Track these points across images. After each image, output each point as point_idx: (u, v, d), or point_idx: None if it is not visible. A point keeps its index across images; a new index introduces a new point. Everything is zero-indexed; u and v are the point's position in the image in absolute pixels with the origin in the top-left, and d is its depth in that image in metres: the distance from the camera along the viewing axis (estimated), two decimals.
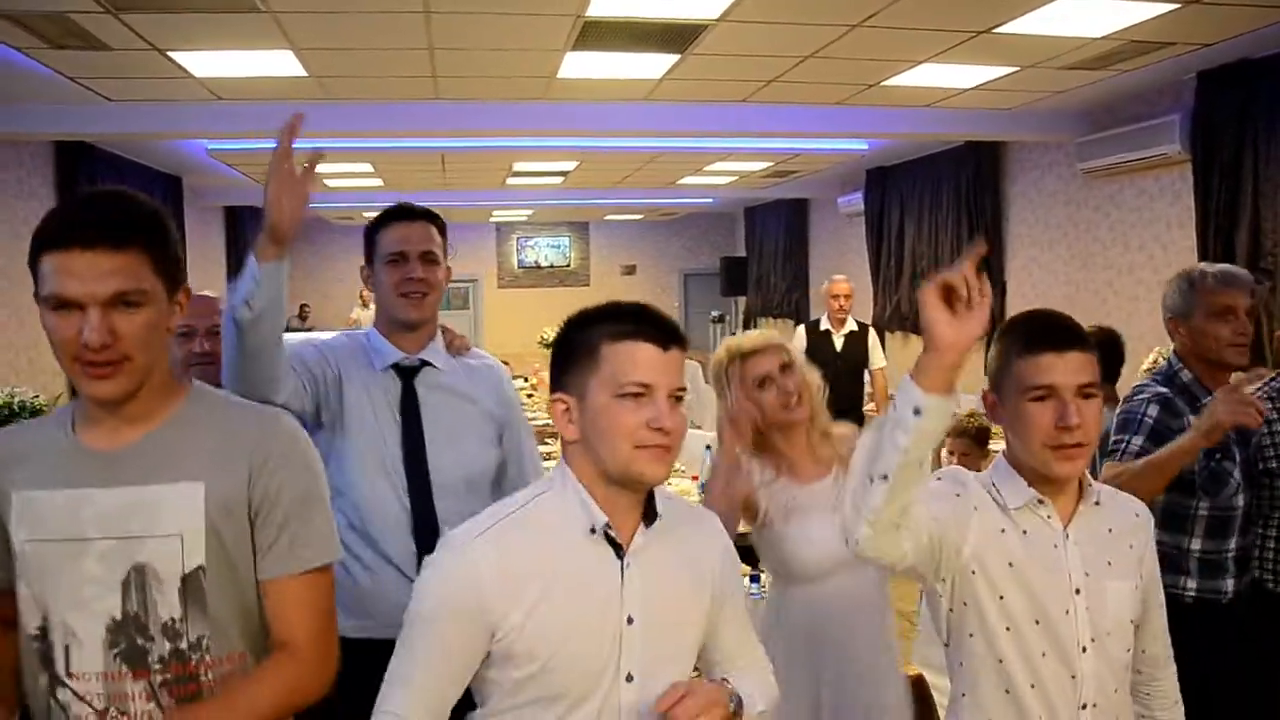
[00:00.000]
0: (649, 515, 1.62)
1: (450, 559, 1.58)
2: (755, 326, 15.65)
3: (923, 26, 5.12)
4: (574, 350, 1.60)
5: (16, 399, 5.11)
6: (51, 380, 7.32)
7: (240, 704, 1.55)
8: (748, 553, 2.64)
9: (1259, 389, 2.82)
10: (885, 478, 1.56)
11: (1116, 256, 7.31)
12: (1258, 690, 2.67)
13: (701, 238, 18.17)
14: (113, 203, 1.54)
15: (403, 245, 2.45)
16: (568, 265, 18.25)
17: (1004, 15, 4.92)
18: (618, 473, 1.56)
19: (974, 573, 1.80)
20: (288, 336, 2.23)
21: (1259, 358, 2.98)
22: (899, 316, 10.47)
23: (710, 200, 14.69)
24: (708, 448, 5.33)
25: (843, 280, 7.20)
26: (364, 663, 1.71)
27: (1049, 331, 1.81)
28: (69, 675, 1.54)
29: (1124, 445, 2.64)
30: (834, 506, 2.37)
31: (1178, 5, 4.69)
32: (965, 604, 1.82)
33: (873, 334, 7.20)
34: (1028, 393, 1.77)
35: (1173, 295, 2.82)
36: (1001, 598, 1.80)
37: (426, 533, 2.36)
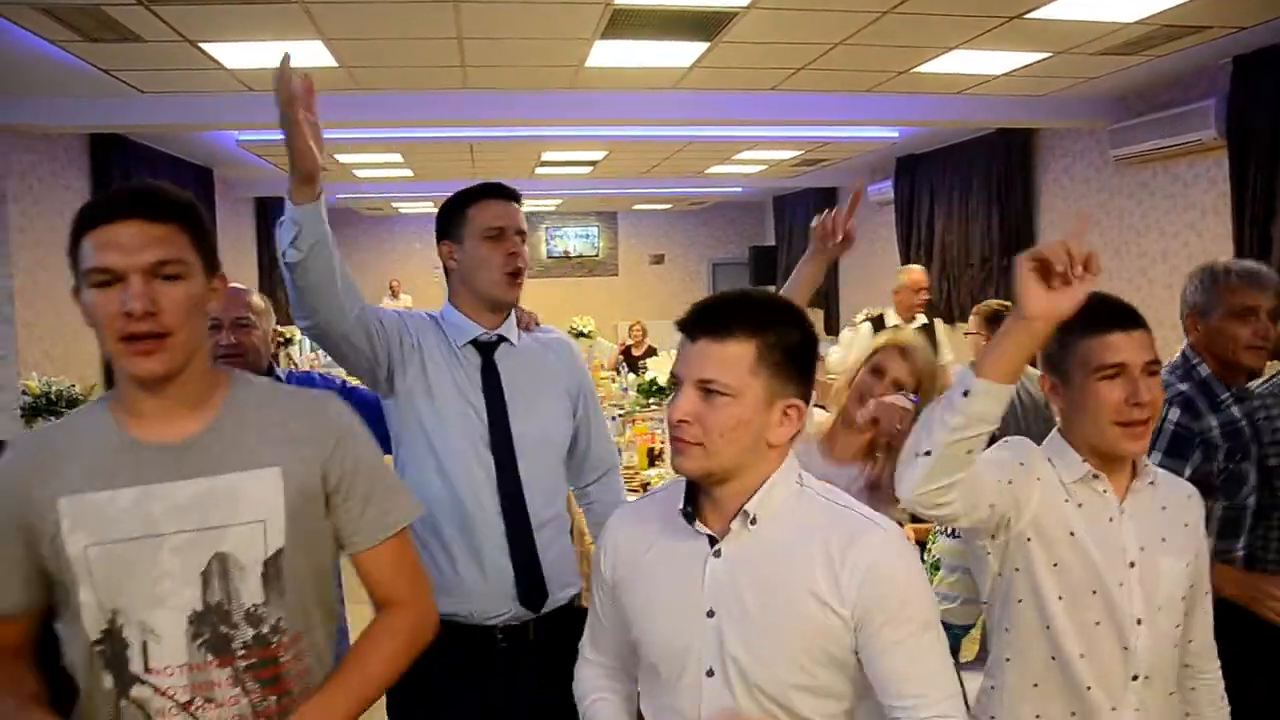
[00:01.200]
0: (743, 513, 1.57)
1: (603, 530, 1.79)
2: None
3: (953, 12, 5.08)
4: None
5: (54, 388, 5.17)
6: (86, 370, 7.42)
7: (369, 669, 1.66)
8: None
9: (1263, 384, 2.80)
10: (928, 454, 1.60)
11: (1150, 244, 7.23)
12: (1265, 689, 2.63)
13: (730, 227, 18.12)
14: (150, 186, 1.59)
15: (501, 221, 2.44)
16: (596, 255, 18.25)
17: (1036, 0, 4.87)
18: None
19: (1029, 540, 1.83)
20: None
21: None
22: (929, 306, 10.41)
23: (739, 189, 14.64)
24: None
25: (920, 269, 6.89)
26: (453, 646, 1.76)
27: (1113, 312, 1.87)
28: (148, 671, 1.54)
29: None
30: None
31: None
32: (1017, 569, 1.85)
33: (941, 326, 7.03)
34: (1098, 371, 1.83)
35: (1193, 289, 2.74)
36: (1056, 565, 1.83)
37: (515, 498, 2.41)
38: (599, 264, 18.25)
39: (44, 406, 5.15)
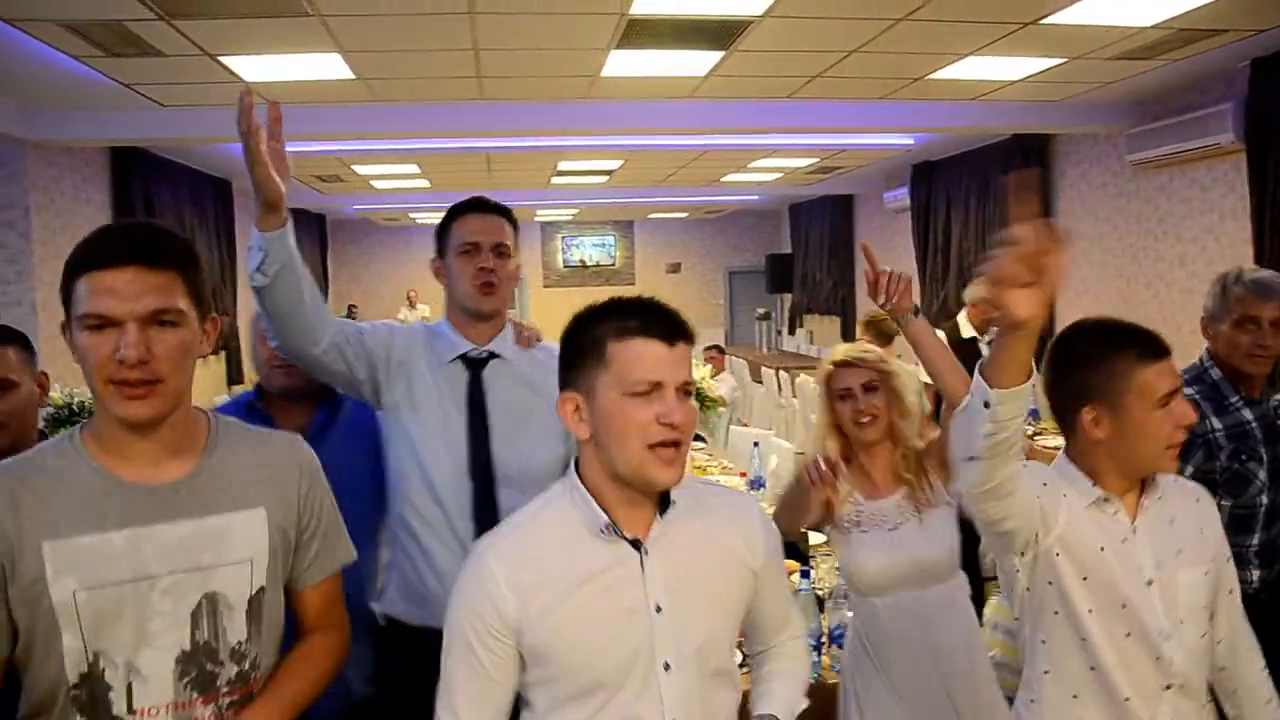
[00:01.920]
0: (664, 504, 1.63)
1: (467, 574, 1.63)
2: (801, 324, 15.60)
3: (968, 19, 5.09)
4: (582, 348, 1.60)
5: (76, 399, 5.21)
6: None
7: (312, 679, 1.72)
8: (791, 549, 2.70)
9: None
10: (974, 458, 1.67)
11: (1168, 249, 7.20)
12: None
13: (746, 235, 18.13)
14: (146, 229, 1.59)
15: (475, 236, 2.48)
16: (612, 264, 18.29)
17: (1051, 6, 4.86)
18: (628, 474, 1.57)
19: (1058, 555, 1.84)
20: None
21: None
22: (945, 312, 10.39)
23: (755, 197, 14.66)
24: (755, 444, 5.34)
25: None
26: (426, 650, 1.75)
27: (1151, 338, 1.86)
28: (130, 712, 1.53)
29: None
30: (894, 525, 2.59)
31: None
32: (1050, 584, 1.86)
33: None
34: (1162, 400, 1.82)
35: (1210, 295, 2.84)
36: (1086, 579, 1.83)
37: (489, 523, 2.37)
38: (615, 273, 18.28)
39: (66, 417, 5.18)
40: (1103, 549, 1.83)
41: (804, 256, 15.35)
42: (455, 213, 2.54)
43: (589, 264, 18.23)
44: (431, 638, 1.93)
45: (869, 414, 2.64)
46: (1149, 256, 7.42)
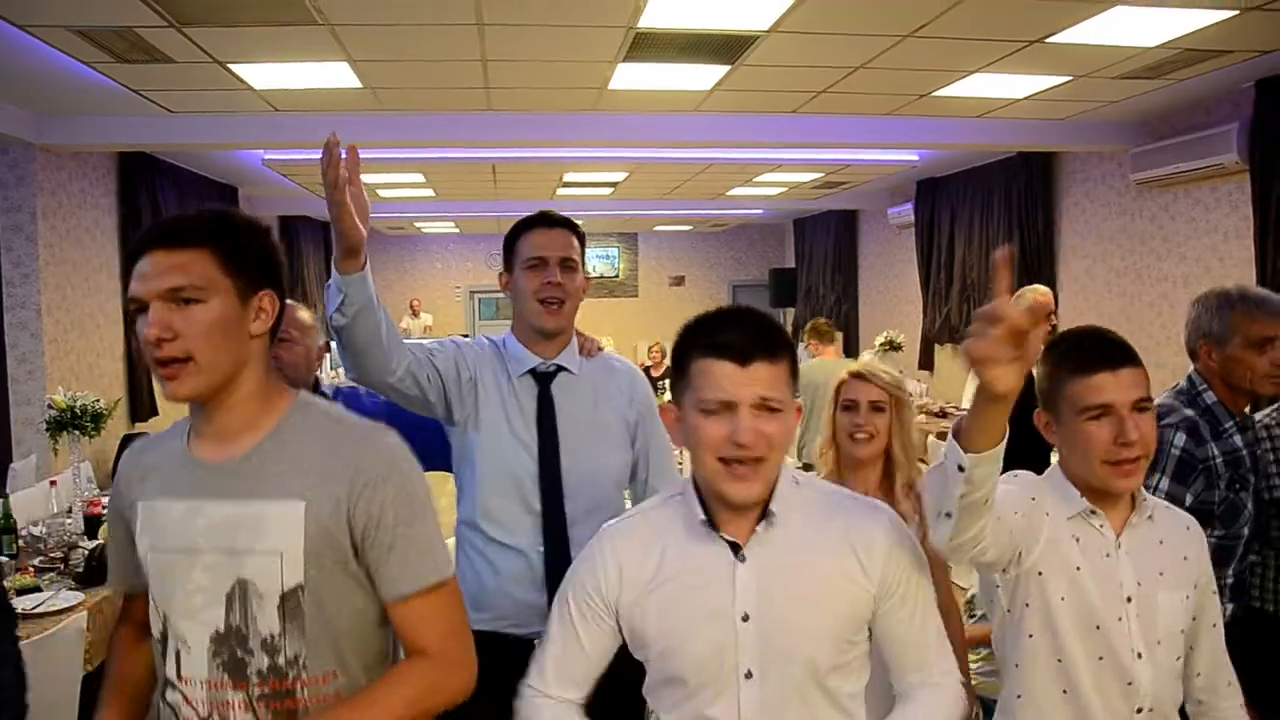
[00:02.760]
0: (766, 514, 1.63)
1: (588, 549, 1.75)
2: (801, 339, 15.59)
3: (974, 36, 5.11)
4: (676, 361, 1.67)
5: (79, 402, 5.22)
6: (111, 385, 7.50)
7: (378, 703, 1.56)
8: None
9: (1269, 414, 2.77)
10: (949, 515, 1.62)
11: (1171, 268, 7.22)
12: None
13: (750, 249, 18.15)
14: (178, 216, 1.63)
15: (542, 251, 2.47)
16: (616, 276, 18.30)
17: (1056, 24, 4.89)
18: (705, 486, 1.64)
19: (1040, 574, 1.84)
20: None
21: None
22: (948, 328, 10.40)
23: (760, 211, 14.67)
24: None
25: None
26: (489, 655, 1.76)
27: (1100, 350, 1.85)
28: (179, 679, 1.58)
29: (1151, 487, 2.47)
30: None
31: (1235, 12, 4.64)
32: (1027, 605, 1.85)
33: None
34: (1084, 413, 1.82)
35: (1206, 316, 2.70)
36: (1063, 598, 1.83)
37: (554, 532, 2.42)
38: (619, 285, 18.30)
39: (69, 420, 5.19)
40: (1079, 569, 1.83)
41: (807, 271, 15.36)
42: (522, 227, 2.53)
43: (593, 276, 18.18)
44: (489, 641, 1.95)
45: (867, 431, 2.64)
46: (1152, 276, 7.43)
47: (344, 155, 1.95)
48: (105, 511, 4.28)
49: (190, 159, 8.84)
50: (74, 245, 7.10)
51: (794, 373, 1.64)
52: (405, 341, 2.35)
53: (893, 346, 10.70)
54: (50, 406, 5.53)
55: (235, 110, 6.57)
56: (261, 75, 5.70)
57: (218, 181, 9.84)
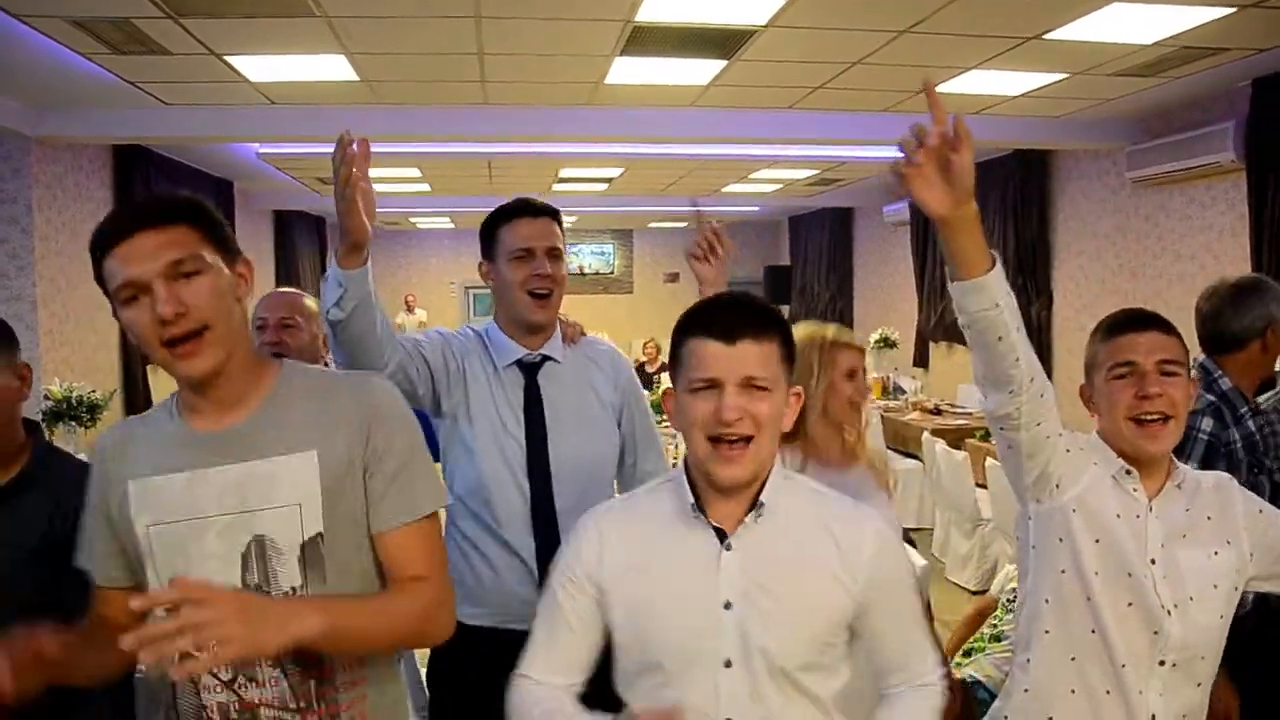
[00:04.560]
0: (756, 505, 1.64)
1: (573, 533, 1.75)
2: None
3: (970, 33, 5.12)
4: (672, 346, 1.68)
5: (74, 393, 5.23)
6: (106, 376, 7.49)
7: (376, 609, 1.61)
8: None
9: (1269, 398, 2.84)
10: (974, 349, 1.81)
11: (1166, 266, 7.23)
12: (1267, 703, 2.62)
13: (745, 246, 18.11)
14: (149, 198, 1.66)
15: (529, 242, 2.44)
16: (611, 272, 18.29)
17: (1053, 21, 4.90)
18: (696, 468, 1.64)
19: (1074, 511, 1.91)
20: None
21: None
22: (943, 326, 10.42)
23: (755, 208, 14.69)
24: None
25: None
26: (483, 649, 1.75)
27: (1130, 316, 1.98)
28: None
29: None
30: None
31: (1232, 10, 4.65)
32: (1060, 540, 1.92)
33: None
34: (1112, 370, 1.93)
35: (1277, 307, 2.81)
36: (1098, 541, 1.89)
37: (544, 523, 2.41)
38: (614, 281, 18.30)
39: (65, 411, 5.20)
40: (1119, 516, 1.90)
41: (802, 268, 15.39)
42: (503, 216, 2.49)
43: (587, 272, 18.22)
44: (482, 636, 1.94)
45: (864, 392, 2.68)
46: (1148, 273, 7.45)
47: (354, 149, 1.95)
48: None
49: (186, 153, 8.82)
50: (69, 238, 7.09)
51: (789, 356, 1.64)
52: (397, 338, 2.35)
53: (888, 344, 10.74)
54: (46, 397, 5.54)
55: (231, 103, 6.56)
56: (257, 68, 5.69)
57: (213, 175, 9.82)
